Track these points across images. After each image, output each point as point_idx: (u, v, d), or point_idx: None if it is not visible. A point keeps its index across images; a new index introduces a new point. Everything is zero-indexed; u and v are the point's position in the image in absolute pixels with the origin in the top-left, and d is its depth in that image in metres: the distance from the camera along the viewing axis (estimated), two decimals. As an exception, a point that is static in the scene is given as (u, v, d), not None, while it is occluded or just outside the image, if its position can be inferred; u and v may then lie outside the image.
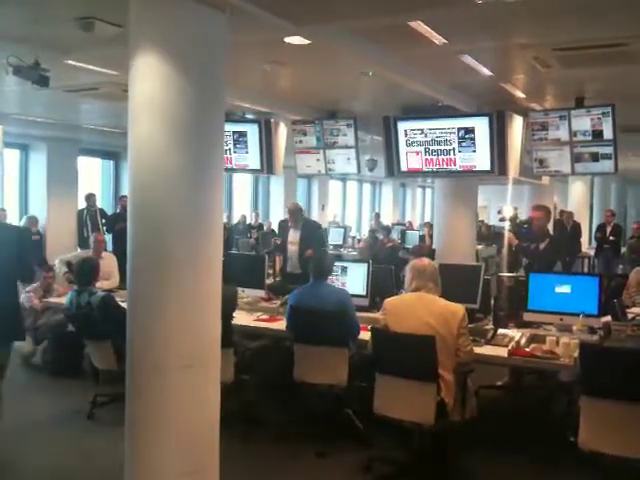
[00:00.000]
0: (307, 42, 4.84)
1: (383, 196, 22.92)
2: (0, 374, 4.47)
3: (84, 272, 5.63)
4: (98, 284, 6.02)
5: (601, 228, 13.47)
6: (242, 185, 16.48)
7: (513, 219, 14.48)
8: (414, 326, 3.98)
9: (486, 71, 5.92)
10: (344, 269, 5.90)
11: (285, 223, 8.20)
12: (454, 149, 7.06)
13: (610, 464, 3.66)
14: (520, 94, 6.97)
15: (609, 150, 6.58)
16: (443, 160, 7.17)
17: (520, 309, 5.13)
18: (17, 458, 4.65)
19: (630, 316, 5.20)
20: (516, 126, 7.01)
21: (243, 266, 6.35)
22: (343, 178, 19.78)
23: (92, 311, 5.34)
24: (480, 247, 12.77)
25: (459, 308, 4.04)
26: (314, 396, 5.10)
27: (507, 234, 7.52)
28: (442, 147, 7.13)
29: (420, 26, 4.52)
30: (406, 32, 4.60)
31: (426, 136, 7.22)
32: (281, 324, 5.27)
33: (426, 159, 7.30)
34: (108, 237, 10.31)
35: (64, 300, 5.97)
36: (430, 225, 13.02)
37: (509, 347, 4.52)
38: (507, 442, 4.85)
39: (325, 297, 4.88)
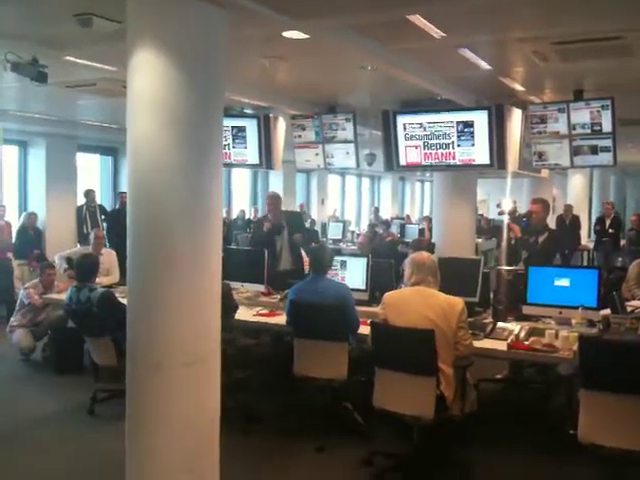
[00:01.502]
0: (305, 37, 4.83)
1: (382, 190, 22.92)
2: None
3: (84, 268, 5.64)
4: (98, 280, 6.02)
5: (600, 221, 13.47)
6: (241, 180, 16.46)
7: (512, 212, 14.48)
8: (413, 320, 3.99)
9: (485, 65, 5.91)
10: (344, 263, 5.90)
11: (262, 220, 7.77)
12: (453, 143, 7.06)
13: (610, 457, 3.67)
14: (519, 87, 6.96)
15: (608, 143, 6.59)
16: (442, 154, 7.18)
17: (519, 302, 5.13)
18: (17, 453, 4.67)
19: (629, 309, 5.21)
20: (515, 119, 7.01)
21: (243, 261, 6.35)
22: (342, 172, 19.79)
23: (92, 307, 5.34)
24: (479, 241, 12.77)
25: (458, 302, 4.05)
26: (314, 391, 5.11)
27: (511, 225, 7.45)
28: (441, 141, 7.14)
29: (419, 20, 4.51)
30: (405, 26, 4.59)
31: (425, 130, 7.22)
32: (281, 319, 5.28)
33: (425, 153, 7.30)
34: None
35: (64, 296, 5.97)
36: (429, 219, 13.03)
37: (508, 340, 4.53)
38: (507, 435, 4.87)
39: (325, 291, 4.89)
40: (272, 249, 7.26)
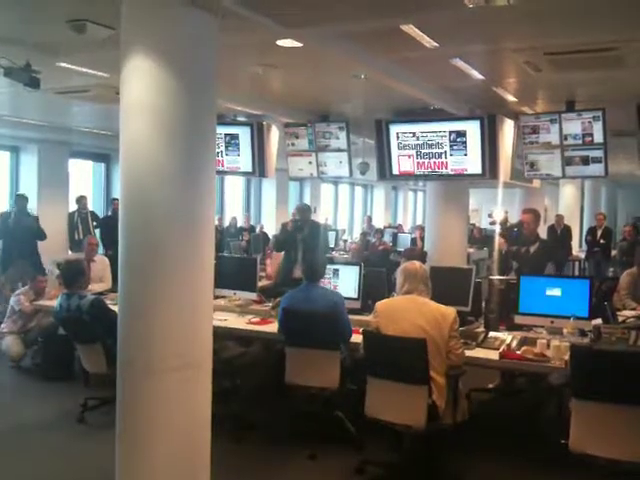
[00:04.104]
0: (299, 45, 4.85)
1: (375, 199, 22.95)
2: None
3: (68, 274, 5.61)
4: (90, 286, 5.99)
5: (592, 231, 13.53)
6: (234, 188, 16.46)
7: (503, 222, 14.53)
8: (406, 329, 3.99)
9: (477, 75, 5.94)
10: (336, 272, 5.89)
11: (295, 225, 7.54)
12: (446, 152, 7.09)
13: (601, 467, 3.67)
14: (511, 98, 7.00)
15: (599, 154, 6.62)
16: (435, 163, 7.21)
17: (511, 312, 5.14)
18: (5, 461, 4.63)
19: (621, 319, 5.23)
20: (507, 130, 7.05)
21: (235, 268, 6.33)
22: (335, 181, 19.80)
23: (82, 314, 5.32)
24: (471, 250, 12.81)
25: (450, 311, 4.05)
26: (306, 399, 5.09)
27: (497, 238, 7.51)
28: (434, 150, 7.16)
29: (412, 30, 4.53)
30: (398, 35, 4.62)
31: (418, 139, 7.25)
32: (273, 327, 5.26)
33: (418, 162, 7.33)
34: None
35: (54, 303, 5.94)
36: (422, 228, 13.05)
37: (500, 350, 4.53)
38: (498, 445, 4.86)
39: (317, 299, 4.88)
40: (292, 252, 7.31)
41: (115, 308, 4.02)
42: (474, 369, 4.49)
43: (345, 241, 15.75)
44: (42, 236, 9.48)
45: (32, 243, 9.36)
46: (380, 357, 4.11)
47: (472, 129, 6.90)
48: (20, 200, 9.51)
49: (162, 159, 3.55)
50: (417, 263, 4.36)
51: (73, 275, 5.59)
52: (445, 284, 4.85)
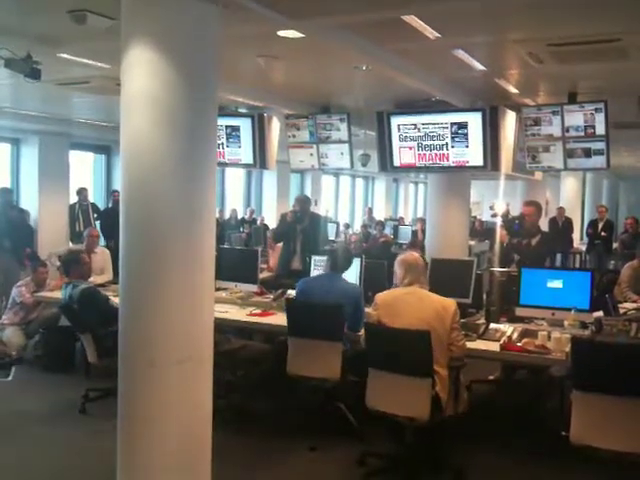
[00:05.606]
0: (301, 36, 4.82)
1: (376, 191, 22.92)
2: None
3: (63, 264, 5.86)
4: (91, 279, 5.99)
5: (593, 224, 13.52)
6: (235, 180, 16.44)
7: (505, 215, 14.53)
8: (407, 321, 3.99)
9: (479, 66, 5.91)
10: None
11: (294, 216, 7.52)
12: (447, 144, 7.07)
13: (602, 458, 3.67)
14: (513, 89, 6.97)
15: (601, 146, 6.59)
16: (436, 155, 7.19)
17: (512, 304, 5.14)
18: (8, 452, 4.64)
19: (621, 311, 5.23)
20: (509, 121, 7.02)
21: (236, 260, 6.34)
22: (336, 173, 19.78)
23: (73, 304, 5.35)
24: (473, 242, 12.80)
25: (451, 303, 4.05)
26: (307, 391, 5.10)
27: (498, 230, 7.49)
28: (435, 142, 7.14)
29: (414, 20, 4.51)
30: (400, 26, 4.59)
31: (419, 131, 7.23)
32: (274, 319, 5.28)
33: (419, 154, 7.31)
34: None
35: (56, 294, 5.97)
36: (423, 220, 13.04)
37: (501, 342, 4.53)
38: (499, 437, 4.87)
39: (332, 290, 4.88)
40: (291, 243, 7.34)
41: (116, 300, 4.02)
42: (475, 361, 4.51)
43: (346, 233, 15.75)
44: (27, 230, 9.42)
45: (19, 236, 9.07)
46: (383, 350, 4.11)
47: (474, 121, 6.88)
48: (4, 194, 9.30)
49: (163, 151, 3.54)
50: (415, 254, 4.38)
51: (68, 264, 5.69)
52: (446, 276, 4.87)
